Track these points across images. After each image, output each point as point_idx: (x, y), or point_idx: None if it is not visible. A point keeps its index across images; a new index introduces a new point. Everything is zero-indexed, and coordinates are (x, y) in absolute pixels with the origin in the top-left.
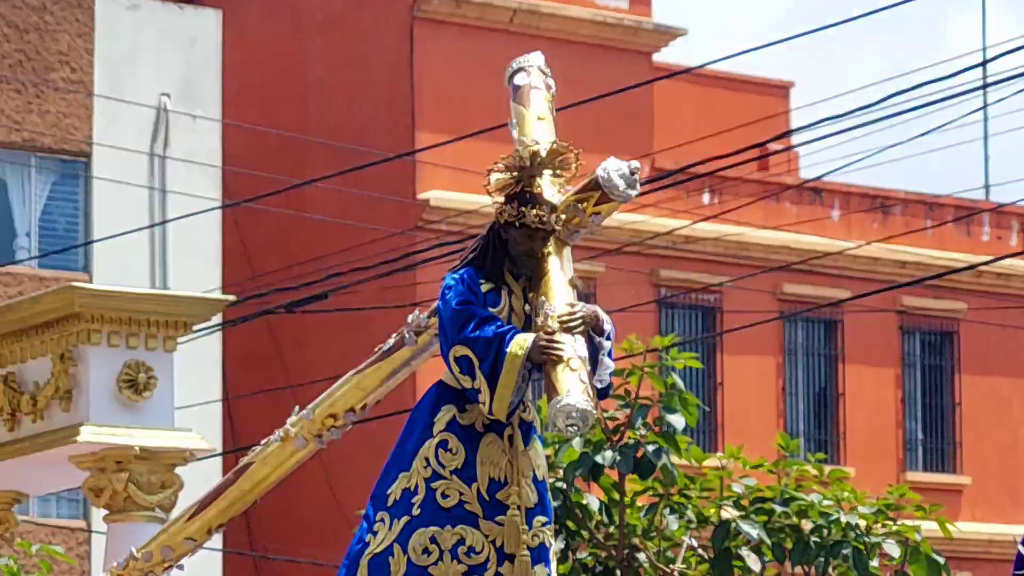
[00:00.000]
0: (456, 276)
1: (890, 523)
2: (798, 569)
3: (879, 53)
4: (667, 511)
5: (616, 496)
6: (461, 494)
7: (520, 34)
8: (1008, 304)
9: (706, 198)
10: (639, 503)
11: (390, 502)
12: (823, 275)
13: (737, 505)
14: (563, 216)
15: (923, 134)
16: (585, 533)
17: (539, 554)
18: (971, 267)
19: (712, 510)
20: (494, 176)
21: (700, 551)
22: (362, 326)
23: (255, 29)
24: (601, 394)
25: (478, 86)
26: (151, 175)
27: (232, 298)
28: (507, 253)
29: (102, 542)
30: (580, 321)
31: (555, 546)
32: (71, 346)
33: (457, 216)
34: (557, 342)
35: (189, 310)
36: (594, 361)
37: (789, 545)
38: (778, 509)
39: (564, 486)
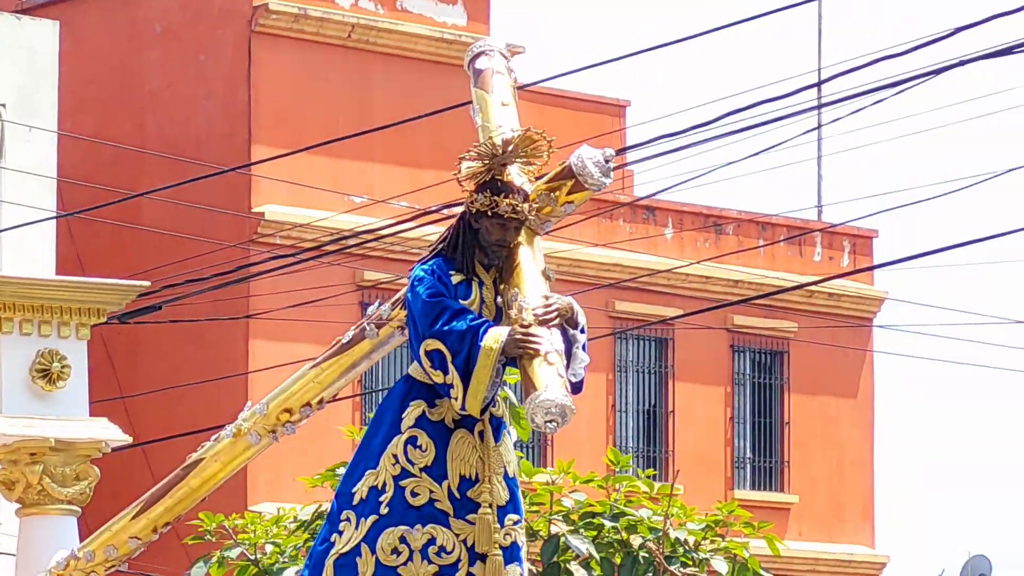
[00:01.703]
0: (426, 268)
1: (719, 540)
2: None
3: (715, 72)
4: None
5: None
6: (431, 492)
7: (358, 50)
8: (838, 324)
9: None
10: None
11: (356, 500)
12: (655, 293)
13: (567, 520)
14: (535, 205)
15: (757, 153)
16: None
17: (511, 553)
18: (801, 286)
19: (542, 524)
20: (465, 164)
21: (529, 565)
22: (196, 338)
23: (92, 40)
24: (575, 388)
25: (315, 100)
26: None
27: (147, 284)
28: (478, 243)
29: None
30: (556, 314)
31: (526, 546)
32: None
33: (292, 230)
34: (533, 335)
35: (102, 297)
36: (567, 355)
37: (618, 560)
38: (607, 524)
39: None
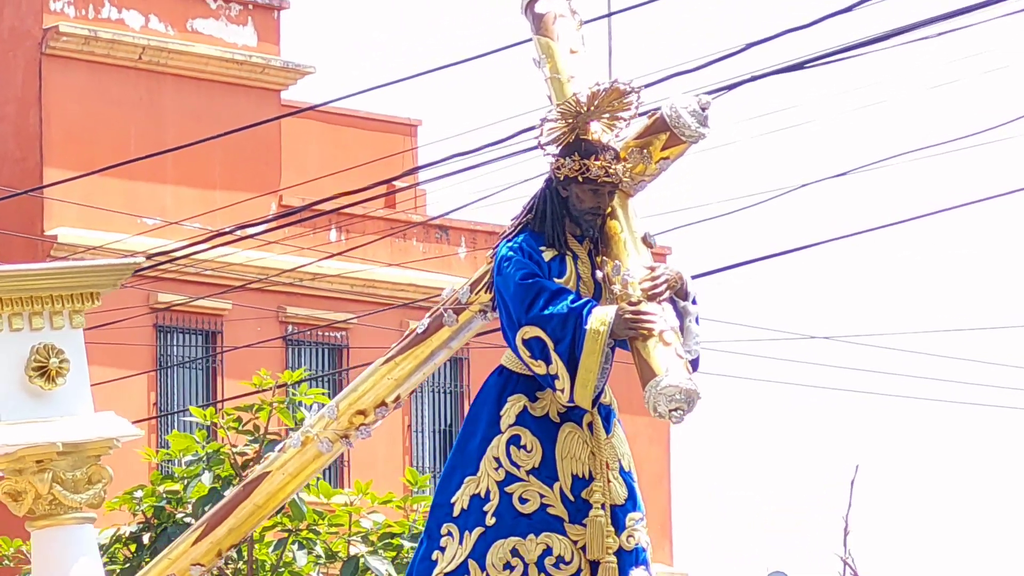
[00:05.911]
0: (513, 245)
1: None
2: None
3: (506, 90)
4: (296, 546)
5: None
6: (542, 496)
7: (149, 71)
8: None
9: (333, 235)
10: (268, 538)
11: (457, 511)
12: None
13: (366, 540)
14: (628, 165)
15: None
16: None
17: (635, 556)
18: None
19: (341, 545)
20: (547, 126)
21: None
22: None
23: None
24: (691, 366)
25: (107, 122)
26: None
27: (142, 260)
28: (568, 213)
29: None
30: (665, 286)
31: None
32: None
33: (85, 252)
34: (645, 313)
35: (95, 280)
36: (681, 330)
37: None
38: (407, 544)
39: (192, 521)
